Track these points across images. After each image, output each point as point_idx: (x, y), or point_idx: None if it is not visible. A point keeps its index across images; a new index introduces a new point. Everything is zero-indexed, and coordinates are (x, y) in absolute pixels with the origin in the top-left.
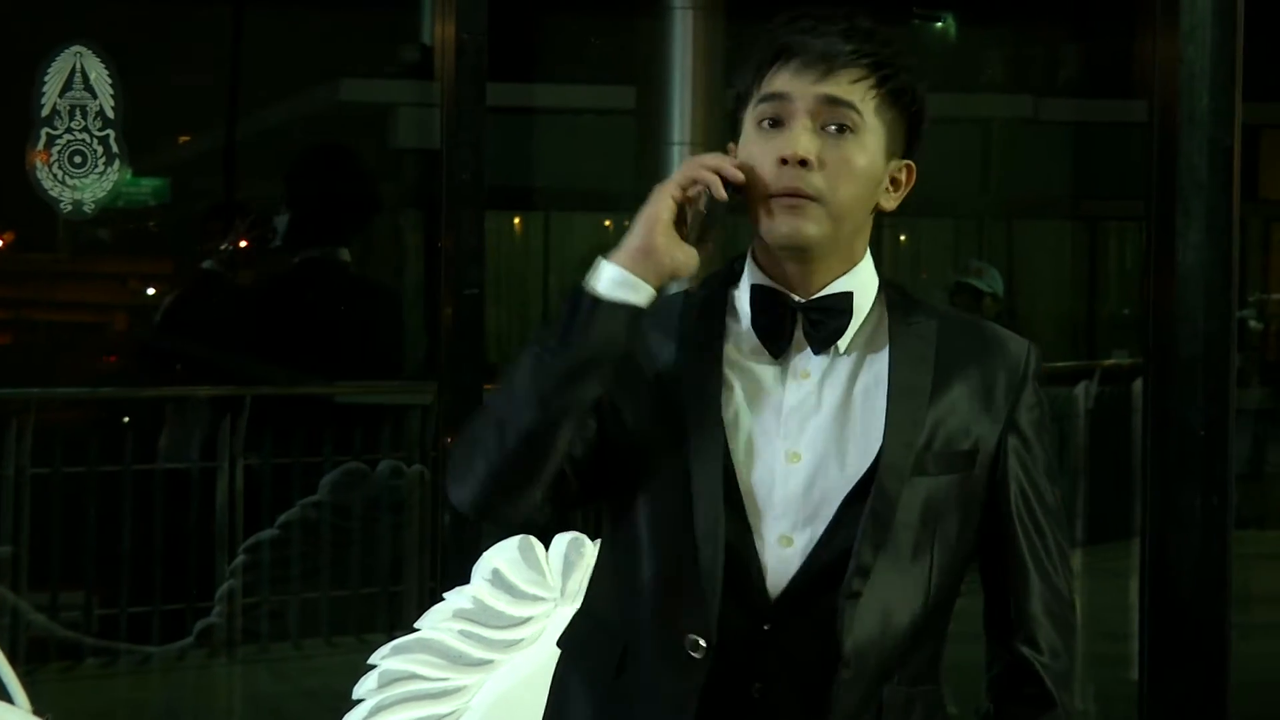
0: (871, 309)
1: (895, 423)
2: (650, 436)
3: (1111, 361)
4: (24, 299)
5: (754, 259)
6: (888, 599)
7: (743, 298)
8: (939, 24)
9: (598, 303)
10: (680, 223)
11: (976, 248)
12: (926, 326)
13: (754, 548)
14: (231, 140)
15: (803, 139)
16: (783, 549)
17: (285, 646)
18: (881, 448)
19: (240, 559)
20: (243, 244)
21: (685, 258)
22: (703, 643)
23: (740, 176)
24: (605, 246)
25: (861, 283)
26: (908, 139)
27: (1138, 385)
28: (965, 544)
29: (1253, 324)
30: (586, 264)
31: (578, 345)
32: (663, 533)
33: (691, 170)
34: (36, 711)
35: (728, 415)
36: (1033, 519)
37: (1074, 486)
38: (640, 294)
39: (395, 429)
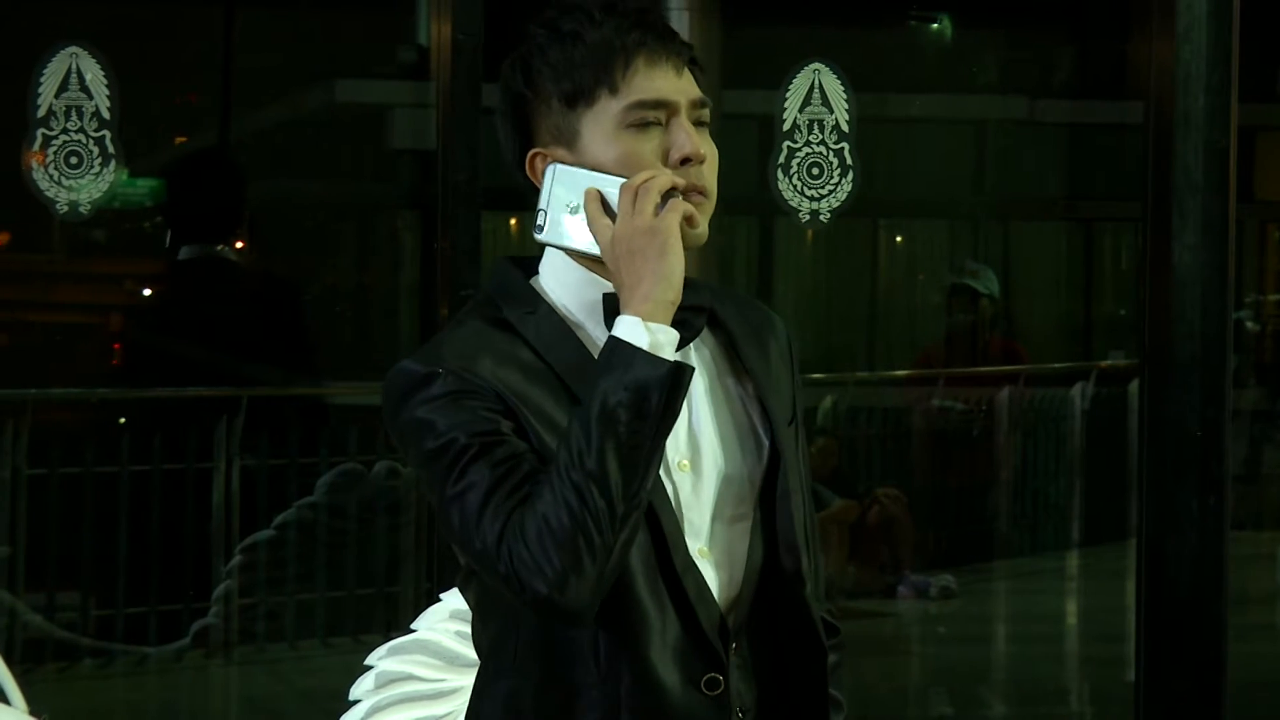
0: None
1: (773, 407)
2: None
3: (1108, 363)
4: (20, 300)
5: (576, 260)
6: (816, 576)
7: (574, 302)
8: (935, 25)
9: (680, 370)
10: None
11: (972, 249)
12: (725, 308)
13: (698, 570)
14: (228, 141)
15: (697, 137)
16: (704, 560)
17: (282, 647)
18: (773, 440)
19: (237, 560)
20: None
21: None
22: (720, 678)
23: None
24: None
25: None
26: None
27: (1134, 386)
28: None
29: (1249, 325)
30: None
31: (666, 420)
32: (628, 591)
33: (652, 196)
34: (33, 712)
35: None
36: (809, 486)
37: (1070, 487)
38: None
39: None
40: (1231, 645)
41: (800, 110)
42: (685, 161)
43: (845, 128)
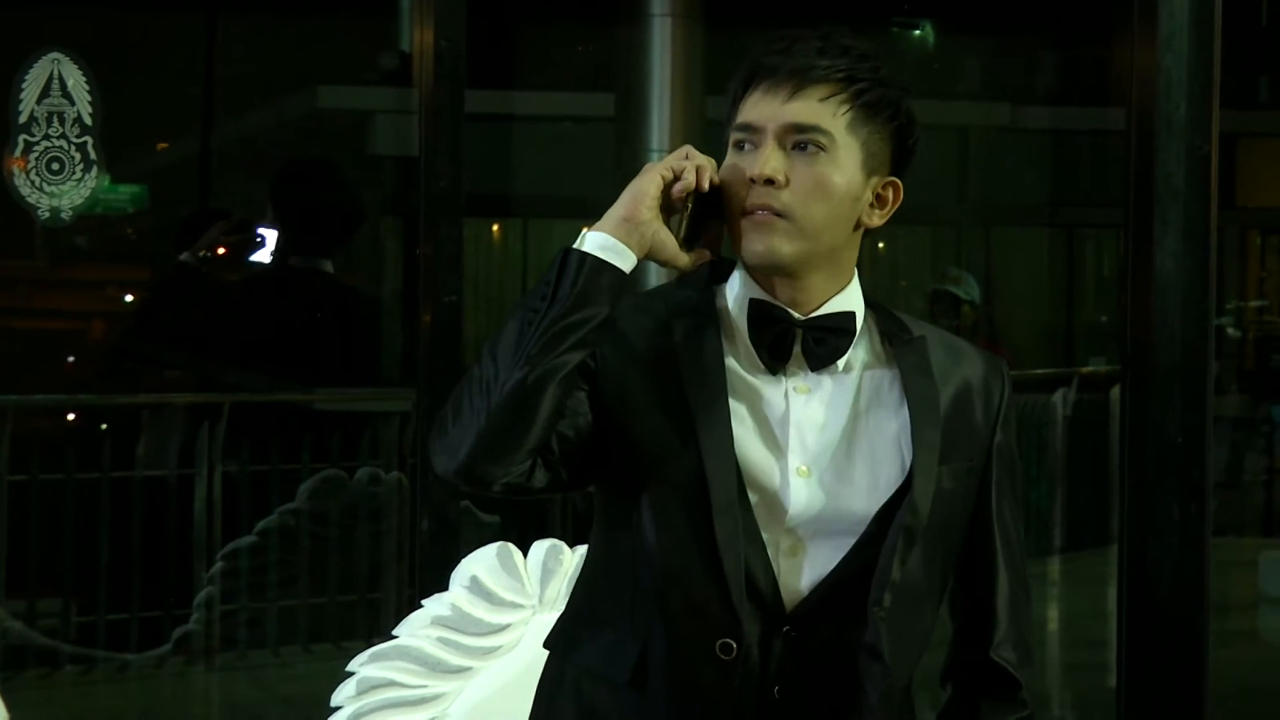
0: (865, 325)
1: (922, 439)
2: (653, 438)
3: (1089, 369)
4: (1, 306)
5: (747, 272)
6: (911, 611)
7: (735, 307)
8: (917, 32)
9: (585, 259)
10: (667, 210)
11: (955, 255)
12: (920, 343)
13: (766, 556)
14: (210, 147)
15: (770, 159)
16: (791, 559)
17: (263, 654)
18: (913, 464)
19: (218, 566)
20: (220, 251)
21: (666, 238)
22: (734, 644)
23: (714, 181)
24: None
25: (855, 301)
26: (894, 155)
27: (1115, 393)
28: (955, 553)
29: (1230, 332)
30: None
31: (565, 303)
32: (677, 538)
33: (679, 158)
34: (13, 718)
35: (736, 426)
36: (1013, 527)
37: (1052, 493)
38: (625, 260)
39: (374, 436)
40: (1212, 651)
41: None
42: (754, 181)
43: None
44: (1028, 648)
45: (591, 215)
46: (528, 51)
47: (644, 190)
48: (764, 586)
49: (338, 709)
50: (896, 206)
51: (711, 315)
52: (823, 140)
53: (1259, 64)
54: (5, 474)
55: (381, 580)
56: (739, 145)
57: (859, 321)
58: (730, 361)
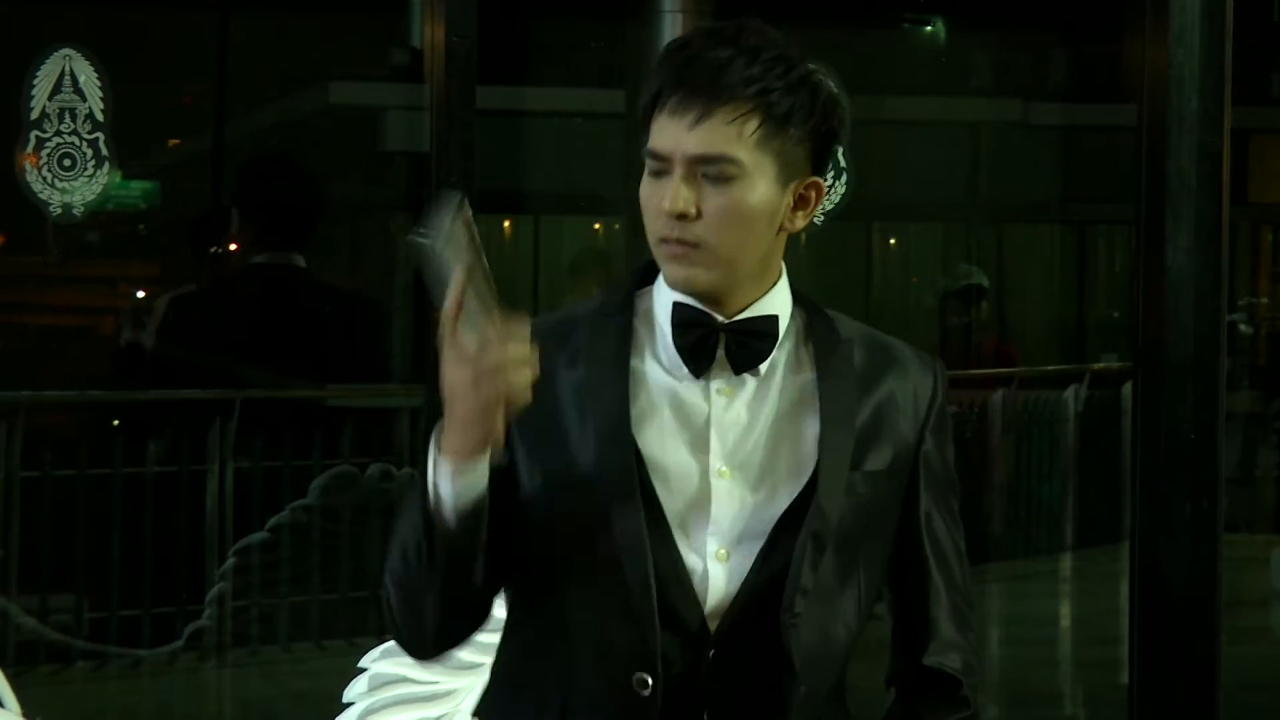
0: (791, 327)
1: (831, 444)
2: (557, 473)
3: (1101, 365)
4: (13, 302)
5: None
6: (826, 618)
7: (660, 310)
8: (928, 28)
9: (445, 523)
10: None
11: (966, 252)
12: (846, 346)
13: (685, 570)
14: (221, 143)
15: (679, 192)
16: (718, 564)
17: (275, 650)
18: (818, 470)
19: (230, 562)
20: (233, 246)
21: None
22: (649, 679)
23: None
24: (594, 249)
25: (780, 303)
26: (814, 157)
27: (1127, 389)
28: (882, 561)
29: (1242, 328)
30: (576, 268)
31: (444, 556)
32: (585, 569)
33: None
34: (26, 714)
35: (646, 432)
36: (942, 533)
37: (1064, 490)
38: (479, 478)
39: (385, 432)
40: (1225, 648)
41: None
42: (668, 215)
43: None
44: (969, 650)
45: (602, 212)
46: (539, 47)
47: (480, 401)
48: (688, 605)
49: (350, 705)
50: (819, 204)
51: (628, 321)
52: (731, 169)
53: (1271, 59)
54: (17, 470)
55: None
56: (651, 169)
57: (783, 324)
58: (651, 366)
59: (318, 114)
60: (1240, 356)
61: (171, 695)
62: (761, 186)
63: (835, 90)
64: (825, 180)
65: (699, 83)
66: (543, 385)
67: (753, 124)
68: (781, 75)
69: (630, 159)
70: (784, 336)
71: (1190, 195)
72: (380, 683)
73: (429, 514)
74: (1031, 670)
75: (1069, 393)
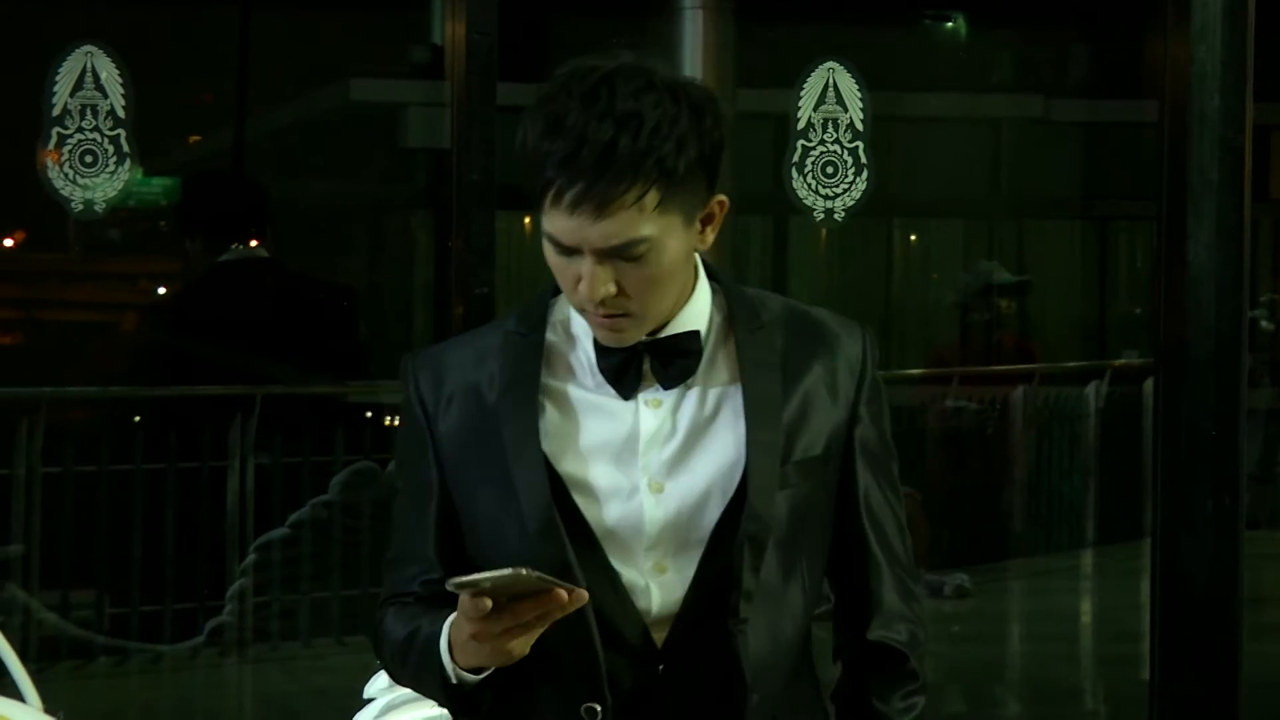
0: (713, 328)
1: (758, 442)
2: (483, 505)
3: (1122, 361)
4: (35, 298)
5: None
6: (774, 616)
7: (577, 325)
8: (949, 24)
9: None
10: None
11: (987, 248)
12: (768, 333)
13: (624, 588)
14: (242, 140)
15: (597, 279)
16: (658, 578)
17: (296, 646)
18: (747, 469)
19: (251, 558)
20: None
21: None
22: (598, 708)
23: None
24: None
25: (699, 311)
26: (710, 177)
27: (1148, 385)
28: (825, 544)
29: (1264, 324)
30: None
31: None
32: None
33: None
34: (48, 710)
35: (570, 452)
36: (880, 508)
37: (1085, 487)
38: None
39: None
40: (1246, 644)
41: (815, 109)
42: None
43: (860, 126)
44: (914, 622)
45: None
46: (560, 43)
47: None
48: (627, 627)
49: (370, 700)
50: (724, 215)
51: (539, 336)
52: (643, 246)
53: None
54: (39, 466)
55: None
56: (554, 245)
57: (704, 330)
58: (573, 382)
59: (338, 111)
60: (1261, 353)
61: (192, 691)
62: (673, 242)
63: (708, 93)
64: (722, 194)
65: (590, 174)
66: (463, 413)
67: (652, 197)
68: (668, 129)
69: None
70: (705, 340)
71: (1211, 191)
72: None
73: (448, 685)
74: (1053, 666)
75: (1090, 389)
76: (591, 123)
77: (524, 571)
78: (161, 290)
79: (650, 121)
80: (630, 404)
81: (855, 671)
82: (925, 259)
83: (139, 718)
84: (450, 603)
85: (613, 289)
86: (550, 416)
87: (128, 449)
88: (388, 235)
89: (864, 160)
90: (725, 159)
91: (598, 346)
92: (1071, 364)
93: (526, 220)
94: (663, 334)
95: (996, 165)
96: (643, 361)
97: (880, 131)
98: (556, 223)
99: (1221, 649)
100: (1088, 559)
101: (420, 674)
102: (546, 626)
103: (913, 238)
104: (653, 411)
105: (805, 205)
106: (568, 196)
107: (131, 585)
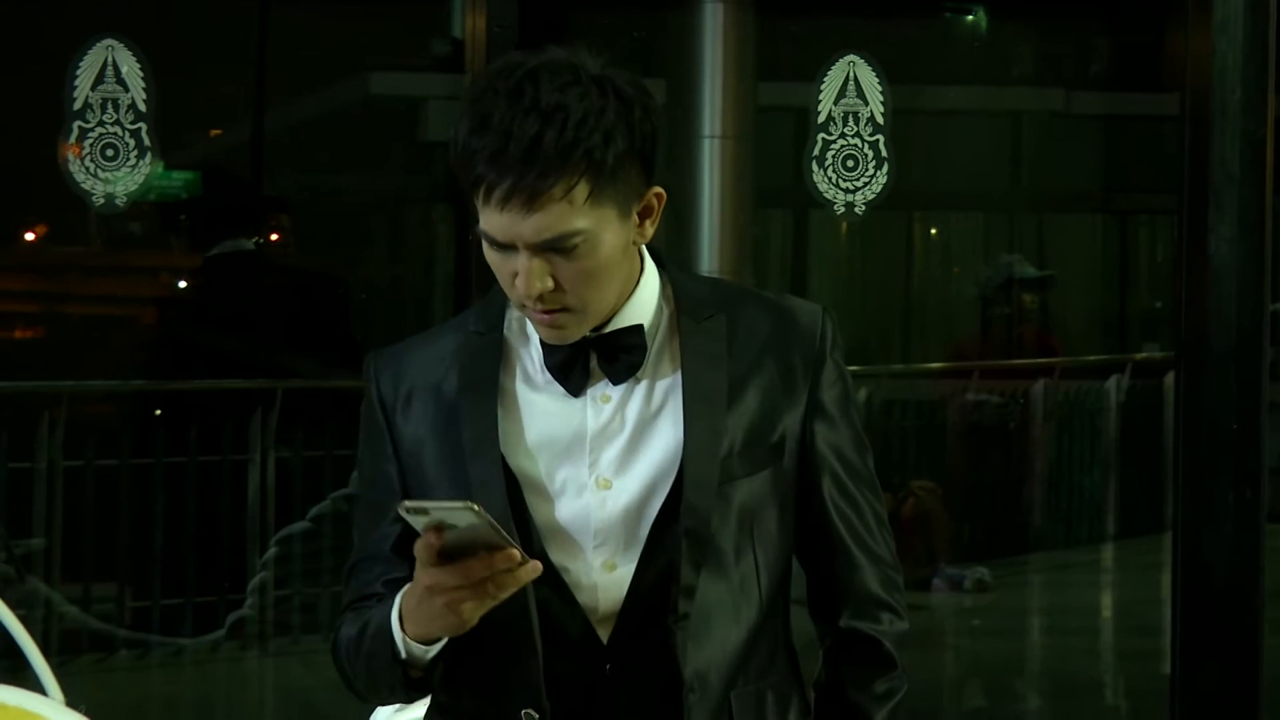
0: (658, 319)
1: (695, 435)
2: (438, 496)
3: (1143, 355)
4: (56, 292)
5: None
6: (718, 613)
7: (528, 323)
8: (970, 17)
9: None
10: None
11: (1007, 242)
12: (716, 322)
13: (569, 589)
14: (262, 134)
15: (533, 274)
16: (606, 576)
17: (317, 639)
18: (683, 463)
19: (272, 552)
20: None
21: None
22: (535, 714)
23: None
24: None
25: (643, 302)
26: (645, 167)
27: (1169, 379)
28: (786, 534)
29: None
30: None
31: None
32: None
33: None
34: (69, 703)
35: (521, 450)
36: (847, 499)
37: (1105, 480)
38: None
39: None
40: (1267, 638)
41: (835, 102)
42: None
43: (880, 120)
44: (892, 610)
45: None
46: (580, 36)
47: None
48: (571, 627)
49: None
50: (662, 208)
51: (497, 336)
52: (576, 239)
53: None
54: (60, 459)
55: None
56: (490, 243)
57: (649, 323)
58: (525, 381)
59: (358, 104)
60: None
61: (213, 684)
62: (608, 235)
63: (638, 85)
64: (659, 185)
65: (517, 169)
66: (423, 412)
67: (582, 189)
68: (595, 121)
69: (670, 148)
70: (652, 331)
71: (1233, 185)
72: None
73: (399, 662)
74: (1073, 661)
75: (1111, 383)
76: (518, 118)
77: (474, 507)
78: (183, 284)
79: (576, 114)
80: (580, 400)
81: (832, 660)
82: (945, 253)
83: (160, 711)
84: None
85: (549, 284)
86: (503, 416)
87: (149, 442)
88: (407, 229)
89: (884, 154)
90: (660, 150)
91: (544, 345)
92: (1092, 358)
93: None
94: (607, 329)
95: (1017, 159)
96: (589, 358)
97: (900, 125)
98: (490, 220)
99: (1242, 643)
100: (1108, 553)
101: (371, 663)
102: (499, 600)
103: (933, 231)
104: (601, 407)
105: (826, 199)
106: (497, 192)
107: (152, 579)
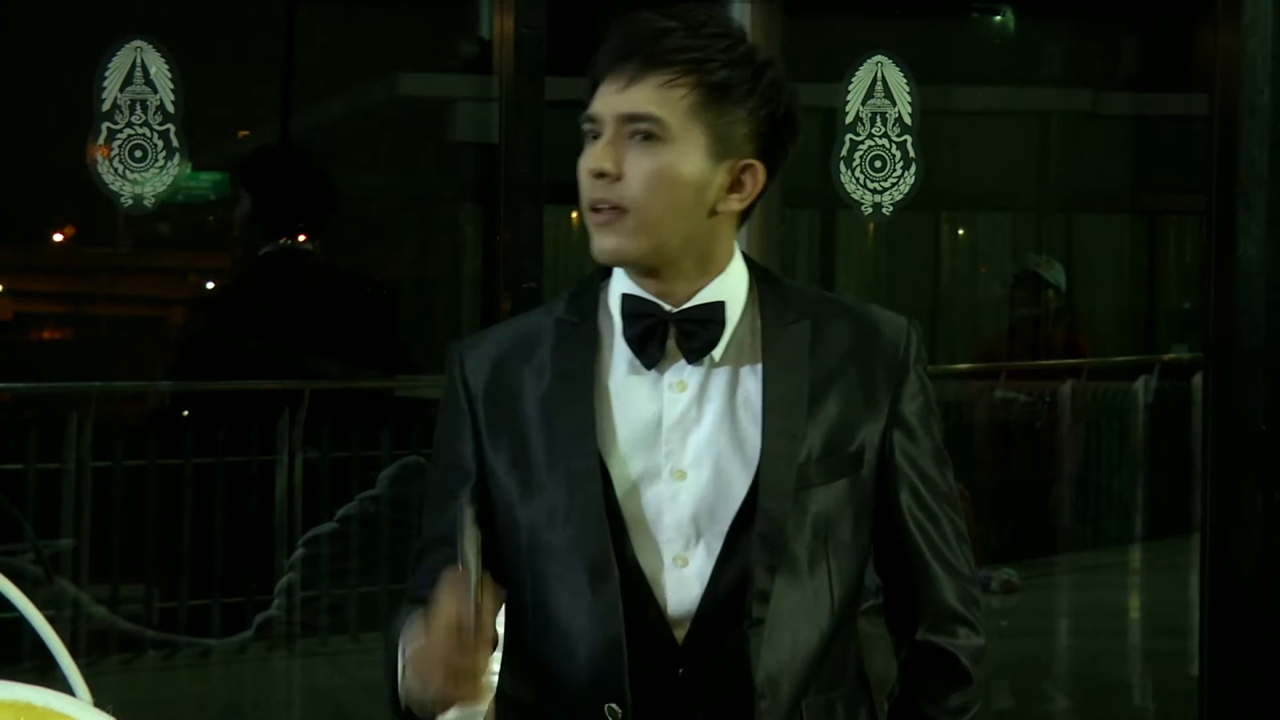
0: (744, 314)
1: (773, 439)
2: (527, 496)
3: (1171, 356)
4: (84, 293)
5: (624, 271)
6: (791, 619)
7: (614, 305)
8: (998, 17)
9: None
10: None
11: (1035, 242)
12: (800, 328)
13: (647, 581)
14: (290, 134)
15: (604, 152)
16: (677, 570)
17: (344, 640)
18: (759, 467)
19: (299, 552)
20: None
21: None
22: (619, 709)
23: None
24: None
25: (731, 288)
26: (757, 137)
27: (1198, 380)
28: (861, 545)
29: None
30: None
31: None
32: (555, 590)
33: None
34: (97, 703)
35: (606, 439)
36: (925, 511)
37: (1134, 481)
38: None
39: None
40: None
41: (863, 103)
42: (591, 174)
43: (908, 120)
44: (970, 625)
45: None
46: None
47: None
48: (648, 621)
49: None
50: (760, 190)
51: (592, 324)
52: (658, 129)
53: None
54: (89, 460)
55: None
56: (586, 136)
57: (735, 311)
58: (609, 369)
59: (386, 105)
60: None
61: (241, 685)
62: (690, 156)
63: (784, 78)
64: (762, 167)
65: (635, 48)
66: (508, 399)
67: (683, 89)
68: (723, 50)
69: None
70: (737, 325)
71: (1262, 185)
72: None
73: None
74: (1101, 662)
75: (1139, 383)
76: (655, 19)
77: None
78: (210, 285)
79: (710, 31)
80: (656, 388)
81: (907, 673)
82: (973, 253)
83: (188, 711)
84: None
85: (613, 166)
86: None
87: (176, 443)
88: (436, 229)
89: (912, 154)
90: (781, 144)
91: (624, 319)
92: (1120, 358)
93: (574, 215)
94: (688, 304)
95: (1045, 159)
96: (667, 332)
97: (928, 125)
98: (593, 99)
99: (1271, 644)
100: (1136, 554)
101: (384, 672)
102: (476, 679)
103: (960, 232)
104: (678, 395)
105: (853, 199)
106: (611, 66)
107: (180, 579)
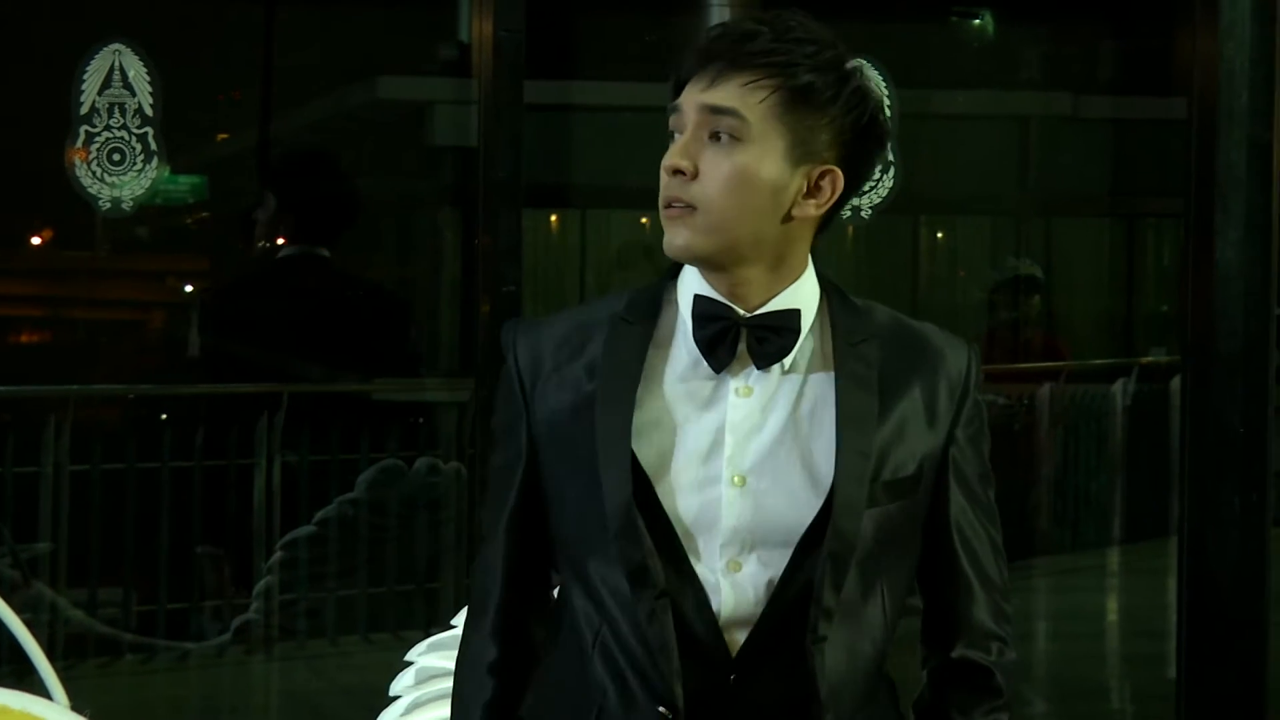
0: (815, 326)
1: (847, 457)
2: (571, 493)
3: (1149, 359)
4: (62, 296)
5: (695, 270)
6: (852, 635)
7: (684, 306)
8: (977, 21)
9: None
10: None
11: (1014, 245)
12: (869, 346)
13: (699, 584)
14: (269, 138)
15: (682, 148)
16: (729, 577)
17: (322, 643)
18: (835, 485)
19: (278, 556)
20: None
21: None
22: (669, 714)
23: None
24: (641, 243)
25: (804, 297)
26: (842, 144)
27: (1176, 383)
28: (910, 561)
29: None
30: (623, 261)
31: None
32: (600, 587)
33: None
34: (75, 707)
35: (659, 439)
36: (971, 529)
37: (1112, 484)
38: None
39: (432, 426)
40: (1273, 642)
41: None
42: (668, 170)
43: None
44: (1004, 642)
45: (650, 206)
46: (587, 41)
47: None
48: (699, 626)
49: (396, 698)
50: (837, 197)
51: (650, 324)
52: (738, 128)
53: None
54: (66, 463)
55: (440, 570)
56: (670, 134)
57: (807, 320)
58: (673, 366)
59: (365, 108)
60: None
61: (219, 688)
62: (768, 158)
63: (874, 88)
64: (842, 174)
65: (721, 49)
66: (560, 393)
67: (765, 90)
68: (810, 55)
69: None
70: (807, 334)
71: (1240, 189)
72: (427, 676)
73: None
74: (1079, 665)
75: (1117, 386)
76: (744, 22)
77: None
78: (189, 288)
79: (798, 36)
80: (721, 393)
81: (939, 684)
82: (952, 256)
83: (166, 715)
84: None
85: (690, 164)
86: (645, 404)
87: (155, 447)
88: (415, 233)
89: (891, 158)
90: (865, 155)
91: (695, 320)
92: (1099, 361)
93: (553, 218)
94: (762, 310)
95: (1024, 162)
96: (739, 337)
97: (907, 128)
98: (680, 94)
99: (1248, 647)
100: (1114, 557)
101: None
102: None
103: (939, 235)
104: (743, 400)
105: None
106: (697, 66)
107: (158, 583)
